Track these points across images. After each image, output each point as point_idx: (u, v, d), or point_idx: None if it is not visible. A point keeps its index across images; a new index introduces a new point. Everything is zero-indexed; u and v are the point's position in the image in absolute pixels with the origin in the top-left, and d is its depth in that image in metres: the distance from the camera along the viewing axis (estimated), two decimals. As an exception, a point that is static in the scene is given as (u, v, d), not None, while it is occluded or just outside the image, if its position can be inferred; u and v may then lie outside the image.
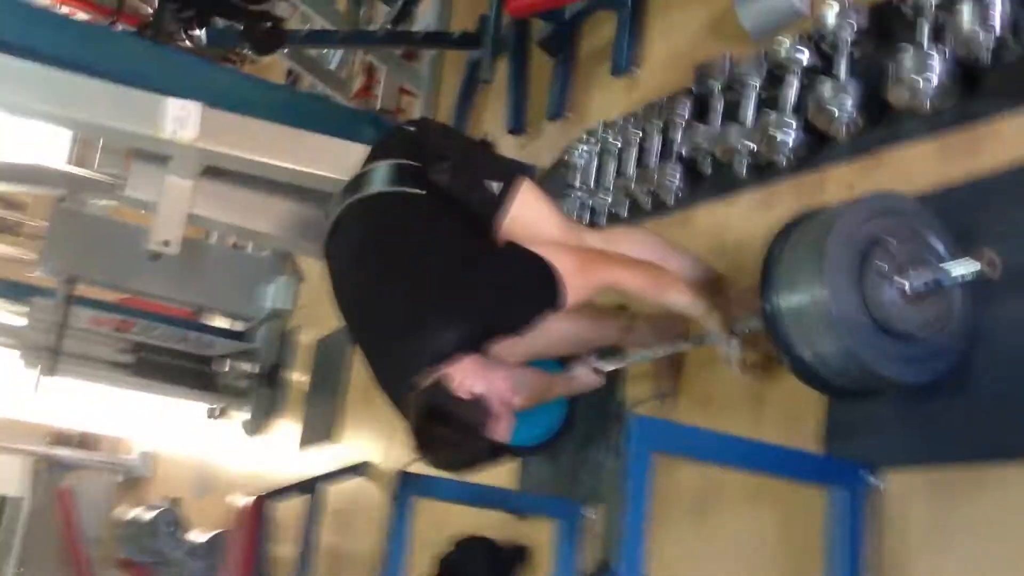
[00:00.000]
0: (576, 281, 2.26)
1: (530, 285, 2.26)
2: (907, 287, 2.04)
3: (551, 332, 2.40)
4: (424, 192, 2.40)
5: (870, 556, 2.22)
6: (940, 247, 2.14)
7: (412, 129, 2.64)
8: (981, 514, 2.08)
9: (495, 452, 2.28)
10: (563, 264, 2.25)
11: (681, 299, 2.45)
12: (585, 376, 2.87)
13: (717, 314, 2.45)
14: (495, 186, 2.43)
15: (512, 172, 2.50)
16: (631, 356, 2.84)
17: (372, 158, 2.53)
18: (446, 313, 2.23)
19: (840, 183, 2.63)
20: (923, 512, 2.20)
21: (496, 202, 2.43)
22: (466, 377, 2.18)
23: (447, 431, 2.19)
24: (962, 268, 2.00)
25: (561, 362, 2.97)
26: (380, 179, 2.45)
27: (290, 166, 3.72)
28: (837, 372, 2.09)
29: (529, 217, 2.44)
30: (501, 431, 2.23)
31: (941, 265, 2.05)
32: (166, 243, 3.84)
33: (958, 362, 2.13)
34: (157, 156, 3.74)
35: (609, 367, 2.83)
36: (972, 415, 2.13)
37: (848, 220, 2.06)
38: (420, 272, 2.29)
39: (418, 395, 2.21)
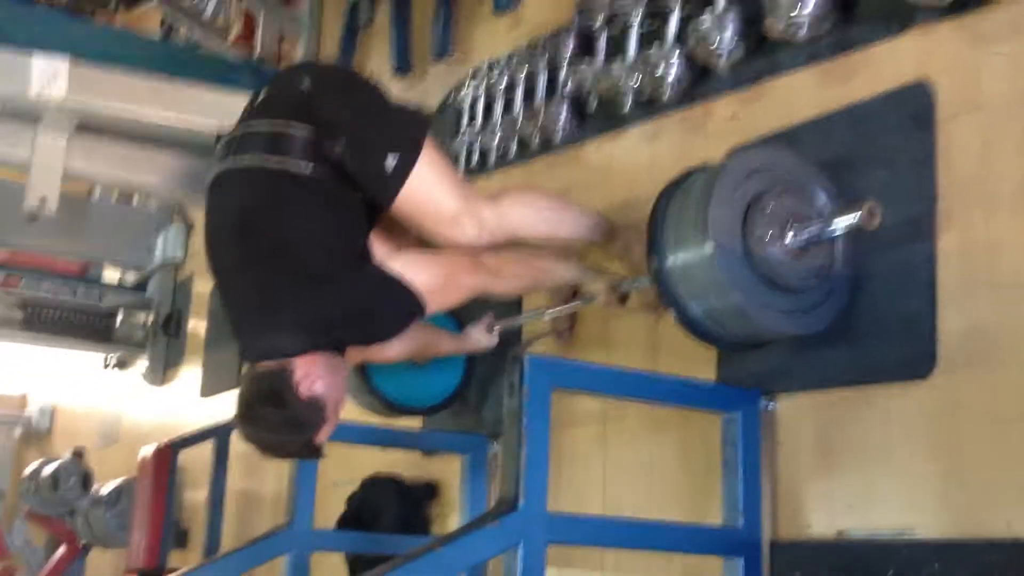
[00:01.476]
0: (437, 298, 2.31)
1: (387, 307, 2.28)
2: (790, 241, 2.09)
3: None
4: (308, 171, 2.23)
5: (765, 474, 2.30)
6: (822, 198, 2.20)
7: (307, 84, 2.34)
8: (865, 431, 2.18)
9: (310, 450, 2.28)
10: (426, 282, 2.27)
11: (562, 273, 2.51)
12: (478, 336, 2.93)
13: (602, 276, 2.52)
14: (391, 160, 2.27)
15: (409, 139, 2.32)
16: (524, 315, 2.90)
17: (258, 111, 2.35)
18: (297, 320, 2.22)
19: (723, 115, 2.67)
20: (812, 432, 2.29)
21: (391, 181, 2.29)
22: (310, 375, 2.20)
23: (273, 415, 2.20)
24: (843, 220, 2.06)
25: (458, 322, 3.03)
26: (261, 147, 2.26)
27: (166, 117, 3.64)
28: (726, 327, 2.15)
29: (422, 195, 2.31)
30: (323, 434, 2.26)
31: (822, 218, 2.11)
32: (43, 202, 3.74)
33: (843, 309, 2.21)
34: (27, 114, 3.63)
35: (502, 327, 2.90)
36: (854, 342, 2.21)
37: (729, 176, 2.09)
38: (283, 270, 2.24)
39: (258, 373, 2.22)
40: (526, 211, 2.46)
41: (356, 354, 2.46)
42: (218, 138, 2.47)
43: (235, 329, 2.33)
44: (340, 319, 2.25)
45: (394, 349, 2.59)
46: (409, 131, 2.35)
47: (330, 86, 2.39)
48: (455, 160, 3.54)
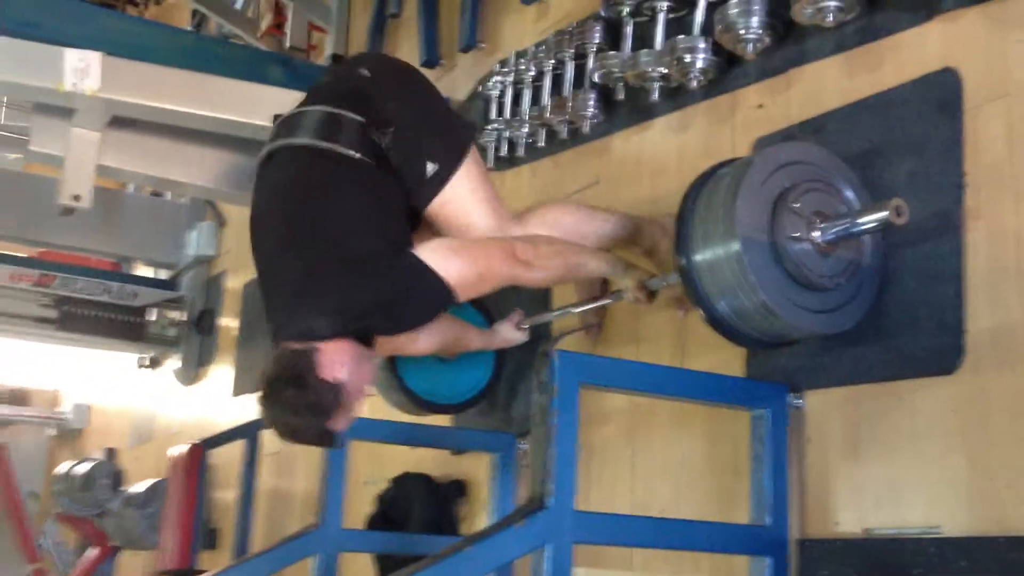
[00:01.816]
0: (469, 288, 2.30)
1: (419, 295, 2.26)
2: (818, 238, 2.06)
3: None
4: (356, 155, 2.30)
5: (793, 471, 2.27)
6: (849, 193, 2.16)
7: (366, 74, 2.45)
8: (893, 427, 2.14)
9: (326, 437, 2.26)
10: (457, 271, 2.25)
11: (593, 268, 2.48)
12: (507, 332, 2.91)
13: (632, 272, 2.48)
14: (430, 168, 2.35)
15: (452, 150, 2.39)
16: (553, 312, 2.87)
17: (315, 96, 2.44)
18: (332, 303, 2.22)
19: (750, 103, 2.64)
20: (840, 428, 2.25)
21: (428, 187, 2.37)
22: (334, 360, 2.20)
23: (294, 397, 2.18)
24: (870, 218, 2.01)
25: (488, 319, 3.00)
26: (313, 128, 2.34)
27: (198, 112, 3.64)
28: (753, 325, 2.11)
29: (455, 207, 2.39)
30: (342, 422, 2.25)
31: (850, 215, 2.07)
32: (77, 197, 3.76)
33: (871, 308, 2.17)
34: (61, 109, 3.64)
35: (531, 323, 2.88)
36: (882, 336, 2.17)
37: (756, 173, 2.05)
38: (324, 252, 2.26)
39: (283, 354, 2.22)
40: (552, 231, 2.50)
41: (385, 345, 2.44)
42: (275, 118, 2.48)
43: (269, 308, 2.34)
44: (373, 305, 2.24)
45: (423, 342, 2.59)
46: (453, 142, 2.42)
47: (388, 78, 2.48)
48: (483, 152, 3.51)
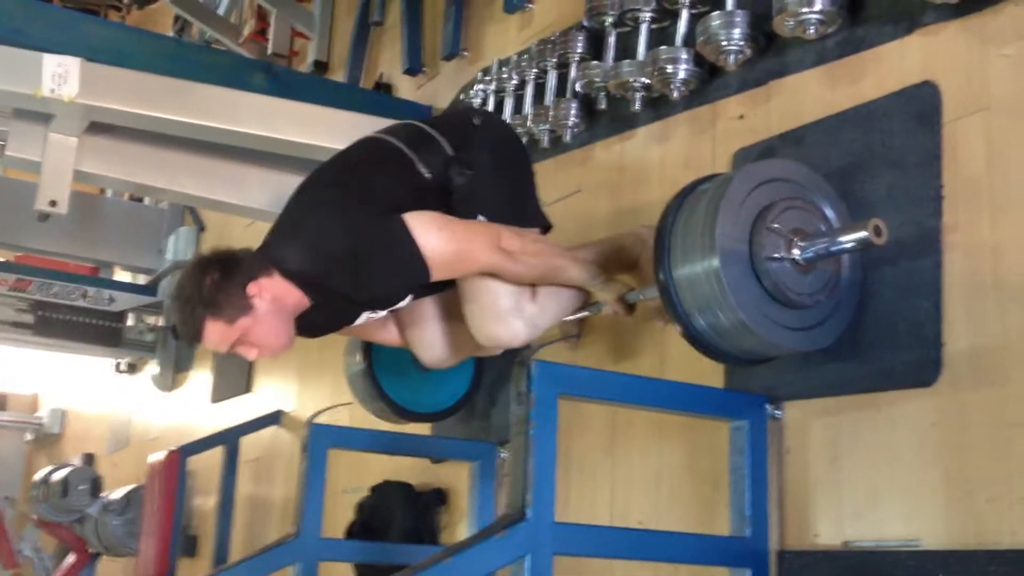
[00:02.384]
0: (445, 268, 2.30)
1: (386, 259, 2.26)
2: (797, 256, 2.05)
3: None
4: (427, 174, 2.37)
5: (772, 483, 2.27)
6: (829, 211, 2.16)
7: (476, 122, 2.54)
8: (872, 439, 2.14)
9: (192, 332, 2.28)
10: (437, 247, 2.25)
11: (574, 275, 2.49)
12: None
13: (611, 285, 2.50)
14: (480, 220, 2.39)
15: (507, 218, 2.43)
16: None
17: (430, 120, 2.57)
18: (300, 235, 2.31)
19: (731, 114, 2.65)
20: (820, 440, 2.25)
21: None
22: (272, 292, 2.27)
23: (212, 275, 2.25)
24: (850, 236, 2.01)
25: None
26: (405, 134, 2.45)
27: (178, 118, 3.62)
28: (731, 342, 2.10)
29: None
30: (214, 335, 2.27)
31: (829, 234, 2.07)
32: (53, 203, 3.72)
33: (850, 325, 2.17)
34: (39, 114, 3.61)
35: None
36: (861, 348, 2.18)
37: (737, 189, 2.05)
38: (325, 194, 2.35)
39: (242, 249, 2.32)
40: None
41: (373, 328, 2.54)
42: None
43: (269, 233, 2.40)
44: (342, 251, 2.25)
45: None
46: (513, 212, 2.47)
47: (494, 135, 2.56)
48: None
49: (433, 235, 2.25)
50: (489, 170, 2.44)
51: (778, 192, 2.10)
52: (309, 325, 2.41)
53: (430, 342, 2.69)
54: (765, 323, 2.04)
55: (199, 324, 2.26)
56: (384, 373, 3.06)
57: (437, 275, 2.29)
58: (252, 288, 2.25)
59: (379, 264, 2.26)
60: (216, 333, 2.27)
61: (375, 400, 3.09)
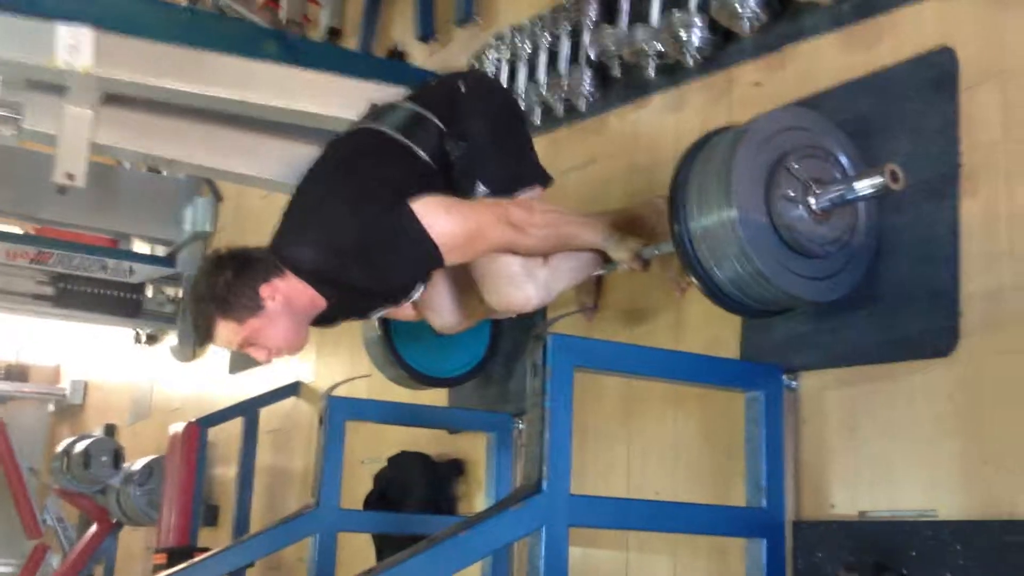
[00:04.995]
0: (459, 251, 2.30)
1: (398, 248, 2.26)
2: (814, 204, 2.04)
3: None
4: (426, 156, 2.36)
5: (788, 453, 2.26)
6: (844, 160, 2.14)
7: (463, 88, 2.50)
8: (888, 409, 2.13)
9: (199, 326, 2.29)
10: (447, 232, 2.25)
11: (588, 238, 2.47)
12: None
13: (626, 242, 2.47)
14: (481, 190, 2.38)
15: (508, 181, 2.43)
16: None
17: (412, 96, 2.52)
18: (310, 233, 2.28)
19: (747, 81, 2.62)
20: (836, 410, 2.24)
21: None
22: (285, 293, 2.26)
23: (229, 272, 2.25)
24: (866, 183, 1.99)
25: None
26: (398, 121, 2.42)
27: (193, 89, 3.61)
28: (749, 293, 2.09)
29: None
30: (224, 335, 2.28)
31: (845, 181, 2.04)
32: (71, 176, 3.73)
33: (866, 273, 2.15)
34: (54, 86, 3.61)
35: None
36: (877, 317, 2.16)
37: (753, 139, 2.03)
38: (331, 190, 2.31)
39: (263, 249, 2.30)
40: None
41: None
42: (372, 107, 2.59)
43: (277, 231, 2.37)
44: (353, 246, 2.24)
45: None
46: (513, 175, 2.46)
47: (481, 98, 2.51)
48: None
49: (441, 218, 2.24)
50: (483, 136, 2.43)
51: (794, 140, 2.08)
52: (323, 318, 2.41)
53: (439, 307, 2.69)
54: (781, 272, 2.02)
55: (210, 322, 2.27)
56: (401, 339, 3.06)
57: (451, 258, 2.29)
58: (265, 290, 2.25)
59: (392, 255, 2.26)
60: (226, 331, 2.27)
61: (393, 366, 3.08)
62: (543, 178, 2.53)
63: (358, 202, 2.26)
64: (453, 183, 2.36)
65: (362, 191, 2.28)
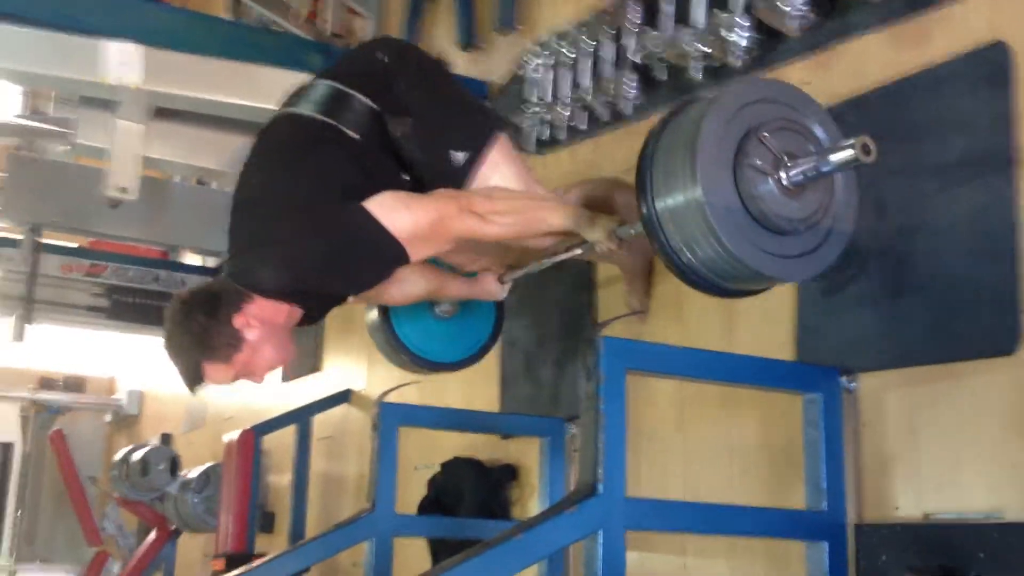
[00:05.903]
0: (422, 246, 2.23)
1: (365, 251, 2.20)
2: (784, 180, 1.92)
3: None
4: (357, 136, 2.26)
5: (849, 456, 2.24)
6: (821, 133, 2.02)
7: (385, 59, 2.40)
8: (951, 410, 2.10)
9: (194, 376, 2.26)
10: (407, 228, 2.18)
11: (555, 221, 2.35)
12: (489, 285, 2.79)
13: (599, 222, 2.32)
14: (460, 156, 2.32)
15: (480, 136, 2.36)
16: (532, 265, 2.71)
17: (330, 72, 2.41)
18: (271, 253, 2.20)
19: (795, 81, 2.57)
20: (897, 411, 2.22)
21: (460, 175, 2.34)
22: (258, 317, 2.21)
23: (197, 319, 2.19)
24: (837, 156, 1.87)
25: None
26: (318, 101, 2.32)
27: (240, 102, 3.65)
28: (721, 274, 1.98)
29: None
30: (218, 374, 2.25)
31: (819, 154, 1.92)
32: (123, 189, 3.79)
33: (846, 250, 2.05)
34: (105, 101, 3.66)
35: (512, 278, 2.78)
36: (936, 317, 2.13)
37: (719, 112, 1.91)
38: (279, 204, 2.23)
39: (219, 280, 2.26)
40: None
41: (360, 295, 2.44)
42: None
43: (228, 253, 2.31)
44: (319, 258, 2.18)
45: (396, 292, 2.54)
46: (480, 129, 2.38)
47: (408, 66, 2.42)
48: (522, 136, 3.49)
49: (400, 215, 2.18)
50: (426, 105, 2.35)
51: (763, 112, 1.96)
52: (305, 318, 2.36)
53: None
54: (752, 251, 1.91)
55: (198, 369, 2.24)
56: (401, 325, 3.00)
57: (415, 254, 2.23)
58: (239, 320, 2.20)
59: (355, 258, 2.21)
60: (217, 373, 2.25)
61: (396, 353, 3.01)
62: (501, 125, 2.44)
63: (306, 209, 2.18)
64: (412, 162, 2.30)
65: (309, 193, 2.20)
